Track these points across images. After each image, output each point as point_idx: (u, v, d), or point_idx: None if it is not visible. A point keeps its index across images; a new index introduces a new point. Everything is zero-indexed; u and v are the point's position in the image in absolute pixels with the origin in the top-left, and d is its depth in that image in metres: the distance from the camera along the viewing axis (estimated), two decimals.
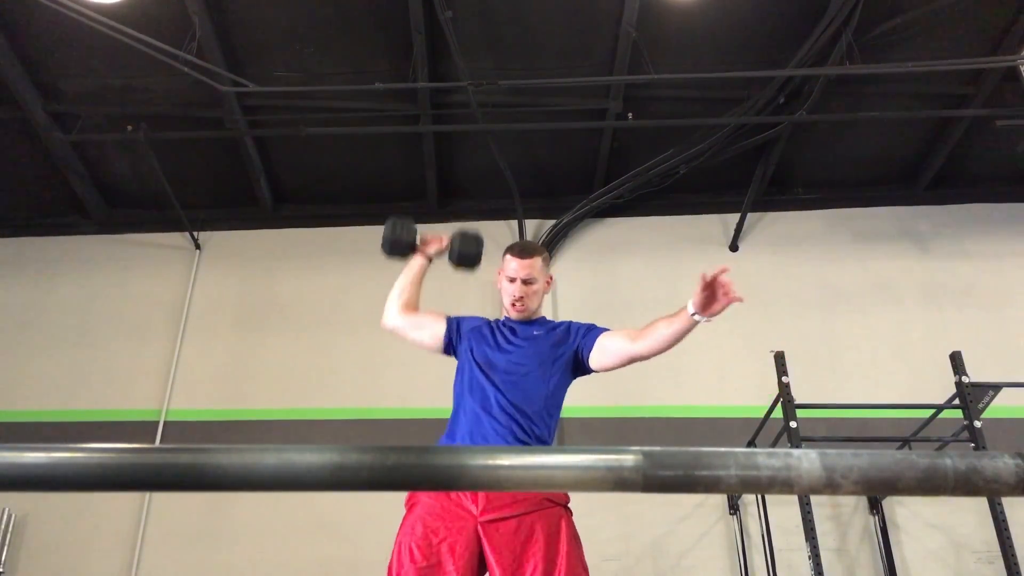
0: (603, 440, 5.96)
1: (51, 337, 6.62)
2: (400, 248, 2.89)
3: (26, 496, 5.71)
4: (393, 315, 2.83)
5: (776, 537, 5.41)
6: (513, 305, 2.69)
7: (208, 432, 6.09)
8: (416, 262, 2.91)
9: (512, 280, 2.68)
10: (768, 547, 5.37)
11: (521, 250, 2.70)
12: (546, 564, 2.25)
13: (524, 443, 2.45)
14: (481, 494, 2.33)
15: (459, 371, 2.68)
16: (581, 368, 2.63)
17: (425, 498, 2.39)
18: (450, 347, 2.76)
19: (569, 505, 2.44)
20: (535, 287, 2.68)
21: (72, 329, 6.64)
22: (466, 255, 2.86)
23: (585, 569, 2.32)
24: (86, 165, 6.66)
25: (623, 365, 2.55)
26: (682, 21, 5.65)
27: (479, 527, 2.31)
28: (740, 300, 2.28)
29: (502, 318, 2.79)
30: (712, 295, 2.29)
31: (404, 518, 2.43)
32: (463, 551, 2.28)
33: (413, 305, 2.85)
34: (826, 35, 5.40)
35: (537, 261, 2.68)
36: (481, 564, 2.31)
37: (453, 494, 2.35)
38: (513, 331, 2.69)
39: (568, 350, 2.61)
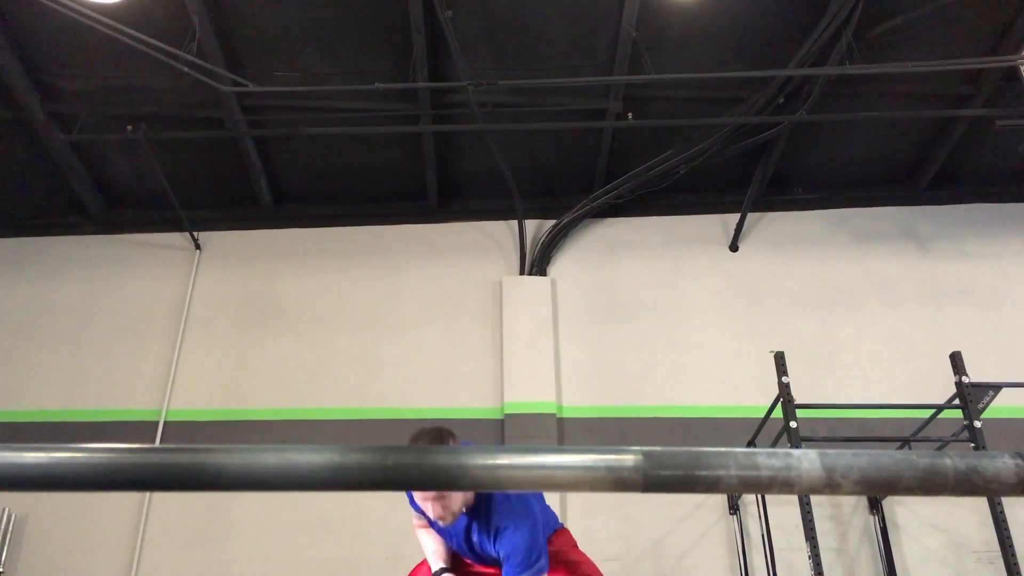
0: (603, 440, 5.95)
1: (51, 337, 6.61)
2: None
3: (26, 496, 5.71)
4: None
5: (776, 537, 5.41)
6: (440, 519, 2.56)
7: (208, 432, 6.08)
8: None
9: (424, 502, 2.54)
10: (768, 547, 5.37)
11: None
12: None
13: None
14: None
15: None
16: None
17: None
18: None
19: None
20: (449, 495, 2.48)
21: (72, 329, 6.64)
22: None
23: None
24: (86, 165, 6.65)
25: None
26: (682, 21, 5.64)
27: None
28: None
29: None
30: None
31: None
32: None
33: None
34: (826, 35, 5.40)
35: None
36: None
37: None
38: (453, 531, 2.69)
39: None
